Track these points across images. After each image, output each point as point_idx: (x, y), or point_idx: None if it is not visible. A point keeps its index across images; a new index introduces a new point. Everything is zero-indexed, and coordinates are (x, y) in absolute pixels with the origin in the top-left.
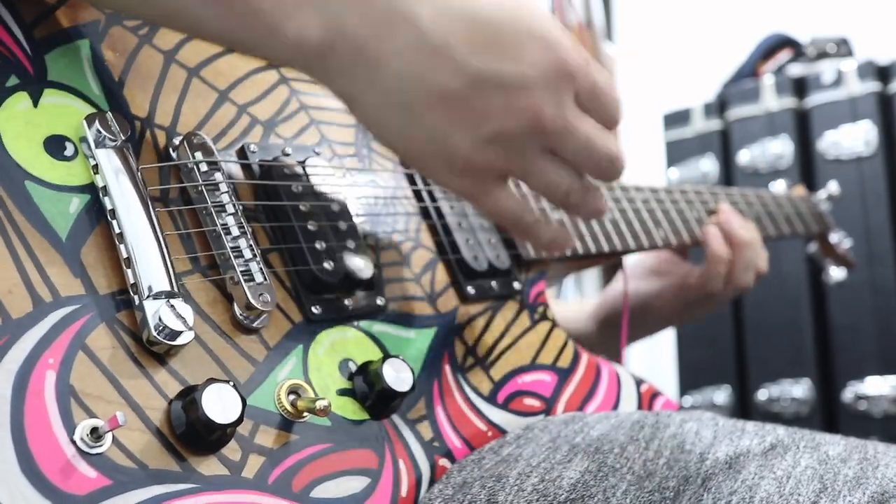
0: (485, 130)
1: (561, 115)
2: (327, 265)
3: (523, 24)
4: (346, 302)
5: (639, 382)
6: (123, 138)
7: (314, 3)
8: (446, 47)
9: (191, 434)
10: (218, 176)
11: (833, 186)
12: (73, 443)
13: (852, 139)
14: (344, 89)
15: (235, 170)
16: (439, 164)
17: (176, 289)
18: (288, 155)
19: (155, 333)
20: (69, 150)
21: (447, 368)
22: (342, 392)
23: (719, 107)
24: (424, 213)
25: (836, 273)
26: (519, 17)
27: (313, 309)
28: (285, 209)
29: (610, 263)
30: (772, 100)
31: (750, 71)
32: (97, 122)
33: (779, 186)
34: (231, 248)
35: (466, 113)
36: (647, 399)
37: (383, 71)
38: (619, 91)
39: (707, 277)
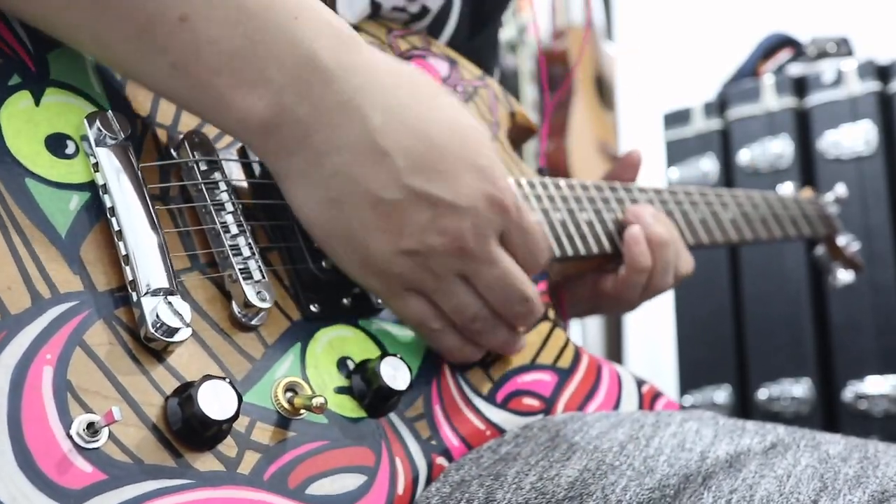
0: (404, 243)
1: (482, 245)
2: (325, 263)
3: (468, 155)
4: (345, 300)
5: (640, 383)
6: (124, 137)
7: (269, 85)
8: (388, 157)
9: (187, 430)
10: (217, 175)
11: (841, 189)
12: (70, 437)
13: (852, 139)
14: (280, 168)
15: (235, 169)
16: (354, 261)
17: (174, 286)
18: None
19: (152, 330)
20: (70, 149)
21: (446, 367)
22: (340, 390)
23: (719, 106)
24: None
25: (843, 276)
26: (465, 146)
27: (311, 307)
28: (284, 208)
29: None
30: (772, 99)
31: (750, 70)
32: (98, 120)
33: (786, 188)
34: (230, 246)
35: (392, 223)
36: (649, 400)
37: (323, 162)
38: (548, 239)
39: (624, 286)
